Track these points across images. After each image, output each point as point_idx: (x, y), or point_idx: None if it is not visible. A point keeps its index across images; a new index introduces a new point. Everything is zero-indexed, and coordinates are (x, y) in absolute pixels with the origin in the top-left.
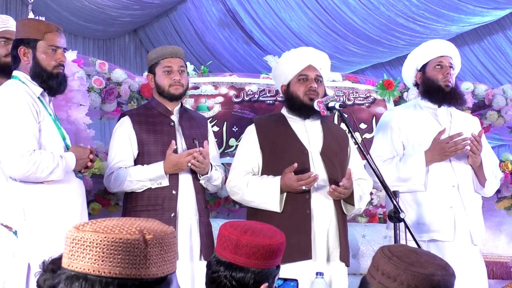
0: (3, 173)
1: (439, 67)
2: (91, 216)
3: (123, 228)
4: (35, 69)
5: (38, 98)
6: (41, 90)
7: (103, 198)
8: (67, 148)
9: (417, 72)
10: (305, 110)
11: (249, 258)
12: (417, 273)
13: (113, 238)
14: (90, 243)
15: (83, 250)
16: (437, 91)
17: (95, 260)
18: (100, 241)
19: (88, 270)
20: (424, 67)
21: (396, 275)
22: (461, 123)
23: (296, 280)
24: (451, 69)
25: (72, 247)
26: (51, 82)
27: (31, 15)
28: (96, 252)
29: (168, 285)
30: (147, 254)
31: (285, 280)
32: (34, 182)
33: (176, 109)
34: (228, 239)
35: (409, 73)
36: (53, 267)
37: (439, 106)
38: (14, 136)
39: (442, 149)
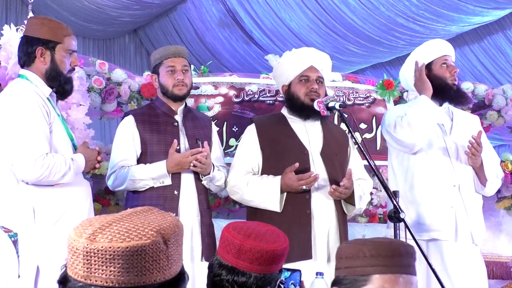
0: (14, 176)
1: (445, 65)
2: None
3: (140, 232)
4: (52, 72)
5: (47, 98)
6: (50, 90)
7: (103, 198)
8: (74, 149)
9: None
10: (305, 111)
11: (252, 263)
12: (377, 242)
13: (134, 246)
14: (110, 255)
15: (103, 263)
16: (445, 89)
17: (119, 272)
18: (122, 252)
19: (113, 283)
20: (428, 65)
21: (358, 250)
22: (462, 121)
23: (299, 271)
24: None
25: (88, 260)
26: (67, 86)
27: (31, 15)
28: (119, 263)
29: (184, 277)
30: (169, 255)
31: (290, 271)
32: (45, 185)
33: (180, 109)
34: (231, 243)
35: (410, 72)
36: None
37: (441, 105)
38: (27, 140)
39: (420, 77)
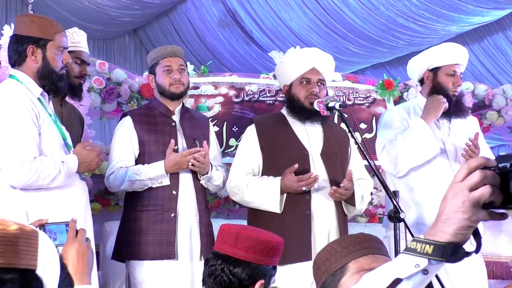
0: (4, 180)
1: (452, 75)
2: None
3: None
4: (44, 70)
5: (38, 98)
6: (40, 90)
7: (103, 198)
8: (67, 148)
9: (428, 71)
10: (305, 114)
11: (248, 252)
12: (345, 236)
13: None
14: None
15: None
16: (446, 98)
17: None
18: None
19: None
20: (437, 69)
21: (329, 250)
22: (460, 123)
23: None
24: (460, 78)
25: None
26: (60, 84)
27: None
28: None
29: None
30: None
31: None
32: (35, 188)
33: (177, 109)
34: (228, 233)
35: (418, 68)
36: None
37: None
38: (14, 144)
39: (436, 101)
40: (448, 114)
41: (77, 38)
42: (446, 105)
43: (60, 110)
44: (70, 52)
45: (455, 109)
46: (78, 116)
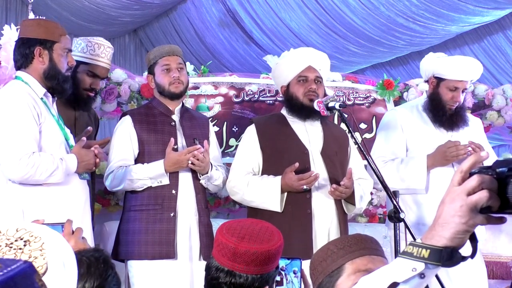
0: (3, 175)
1: (453, 90)
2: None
3: None
4: (51, 71)
5: (41, 99)
6: (44, 90)
7: (103, 198)
8: (70, 148)
9: (433, 77)
10: (304, 111)
11: (248, 266)
12: (342, 237)
13: None
14: None
15: None
16: (439, 112)
17: None
18: None
19: None
20: (441, 79)
21: (326, 250)
22: (462, 128)
23: (299, 258)
24: (463, 93)
25: None
26: (65, 85)
27: (31, 15)
28: None
29: None
30: None
31: (289, 258)
32: (33, 184)
33: (177, 108)
34: (225, 247)
35: (425, 70)
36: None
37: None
38: (13, 139)
39: (444, 153)
40: (442, 126)
41: (97, 51)
42: (456, 159)
43: (73, 114)
44: (84, 63)
45: (448, 123)
46: (93, 115)
